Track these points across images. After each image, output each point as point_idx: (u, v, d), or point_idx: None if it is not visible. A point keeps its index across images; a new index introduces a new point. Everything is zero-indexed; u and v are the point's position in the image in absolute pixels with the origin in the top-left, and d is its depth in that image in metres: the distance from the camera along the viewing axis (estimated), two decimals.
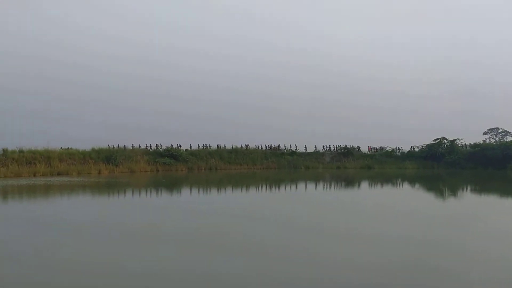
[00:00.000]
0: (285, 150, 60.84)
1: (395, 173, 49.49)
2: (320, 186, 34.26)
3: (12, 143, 46.00)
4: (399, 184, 37.16)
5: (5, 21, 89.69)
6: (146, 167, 49.89)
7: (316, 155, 60.24)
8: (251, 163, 56.22)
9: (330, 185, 35.10)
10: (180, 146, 55.33)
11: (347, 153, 60.51)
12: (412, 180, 40.45)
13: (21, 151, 44.13)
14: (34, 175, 41.21)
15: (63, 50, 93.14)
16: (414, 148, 65.35)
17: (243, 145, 59.10)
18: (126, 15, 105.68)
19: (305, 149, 61.31)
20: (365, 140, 66.45)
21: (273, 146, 61.31)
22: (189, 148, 56.42)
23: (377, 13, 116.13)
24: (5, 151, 43.26)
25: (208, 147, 57.28)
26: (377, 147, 64.05)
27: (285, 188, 32.21)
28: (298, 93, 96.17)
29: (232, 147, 58.43)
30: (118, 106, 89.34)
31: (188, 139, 72.73)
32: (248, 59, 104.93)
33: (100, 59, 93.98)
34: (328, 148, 61.45)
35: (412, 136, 79.44)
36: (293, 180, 39.46)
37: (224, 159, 55.50)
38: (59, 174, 42.78)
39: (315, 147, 61.52)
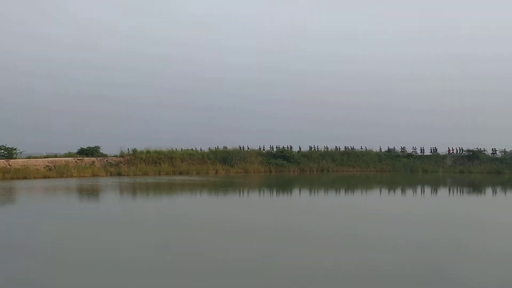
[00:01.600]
0: (400, 152, 57.83)
1: None
2: (454, 191, 31.85)
3: (140, 144, 50.59)
4: None
5: None
6: (259, 167, 51.17)
7: (435, 158, 56.14)
8: (364, 165, 54.45)
9: (461, 190, 32.46)
10: (291, 147, 55.76)
11: (472, 156, 55.39)
12: None
13: (148, 152, 48.27)
14: (159, 174, 44.81)
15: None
16: None
17: (352, 147, 57.49)
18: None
19: (421, 151, 57.49)
20: (488, 144, 59.84)
21: (388, 148, 58.74)
22: (300, 150, 56.49)
23: None
24: (134, 151, 47.74)
25: (316, 148, 56.78)
26: (507, 150, 57.38)
27: (415, 191, 30.53)
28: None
29: (346, 148, 57.21)
30: (236, 109, 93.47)
31: (299, 140, 73.24)
32: None
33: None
34: (453, 151, 56.75)
35: None
36: (423, 183, 37.29)
37: (336, 160, 54.55)
38: (180, 173, 45.91)
39: (434, 149, 57.40)
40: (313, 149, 56.73)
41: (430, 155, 56.97)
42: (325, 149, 56.75)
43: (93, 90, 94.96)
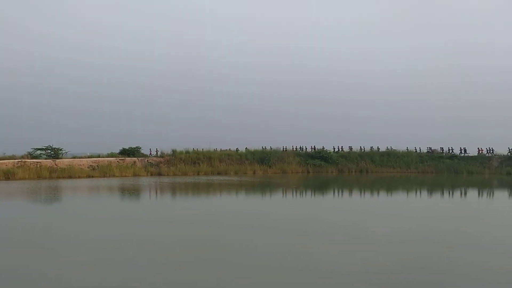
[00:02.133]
0: (443, 153, 56.05)
1: None
2: None
3: (179, 145, 51.45)
4: None
5: None
6: (297, 168, 50.93)
7: (481, 159, 54.00)
8: (404, 166, 53.12)
9: None
10: (324, 147, 55.22)
11: None
12: None
13: (187, 152, 48.99)
14: (198, 174, 45.36)
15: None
16: None
17: (390, 147, 56.24)
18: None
19: (462, 152, 55.34)
20: None
21: (431, 149, 57.09)
22: (339, 150, 55.78)
23: None
24: (174, 152, 48.57)
25: (358, 149, 55.98)
26: None
27: (469, 193, 29.52)
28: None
29: (387, 148, 56.06)
30: (272, 111, 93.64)
31: (337, 140, 72.45)
32: None
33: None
34: (482, 151, 54.46)
35: None
36: (473, 185, 36.00)
37: (376, 161, 53.49)
38: (218, 173, 46.31)
39: (480, 150, 55.22)
40: (353, 149, 55.93)
41: (475, 156, 54.92)
42: (361, 150, 55.79)
43: (137, 94, 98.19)
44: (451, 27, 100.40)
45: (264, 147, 53.43)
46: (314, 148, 54.65)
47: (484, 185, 36.88)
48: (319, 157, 52.78)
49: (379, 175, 48.43)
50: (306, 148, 54.99)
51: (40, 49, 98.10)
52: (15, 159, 40.60)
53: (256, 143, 56.08)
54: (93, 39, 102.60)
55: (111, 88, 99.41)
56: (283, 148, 54.32)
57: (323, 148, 54.83)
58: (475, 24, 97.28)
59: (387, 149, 55.98)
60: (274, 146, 54.12)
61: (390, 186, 36.45)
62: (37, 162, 40.66)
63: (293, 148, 55.04)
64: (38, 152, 44.00)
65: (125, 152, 47.41)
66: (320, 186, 35.48)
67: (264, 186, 33.38)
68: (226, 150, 52.50)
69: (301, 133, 78.15)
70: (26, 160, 40.76)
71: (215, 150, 51.26)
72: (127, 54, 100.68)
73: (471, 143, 57.00)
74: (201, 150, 50.04)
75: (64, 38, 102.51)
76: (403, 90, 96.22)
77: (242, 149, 53.15)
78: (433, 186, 35.23)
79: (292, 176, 45.42)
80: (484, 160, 53.85)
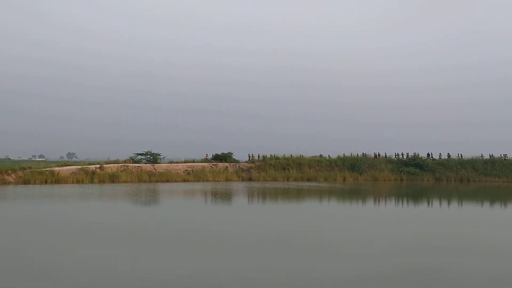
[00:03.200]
0: None
1: None
2: None
3: (267, 151, 51.94)
4: None
5: None
6: (389, 175, 48.94)
7: None
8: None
9: None
10: (419, 154, 52.32)
11: None
12: None
13: (277, 158, 49.33)
14: (288, 180, 45.41)
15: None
16: None
17: (491, 154, 51.81)
18: None
19: None
20: None
21: None
22: (436, 157, 52.60)
23: None
24: (264, 158, 49.17)
25: (448, 156, 52.35)
26: None
27: None
28: None
29: (490, 156, 51.80)
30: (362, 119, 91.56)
31: (431, 147, 68.56)
32: None
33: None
34: None
35: None
36: None
37: (478, 169, 49.58)
38: (308, 179, 45.97)
39: None
40: (451, 156, 52.43)
41: None
42: (458, 157, 51.98)
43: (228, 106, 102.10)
44: None
45: (357, 154, 52.02)
46: (407, 155, 52.10)
47: None
48: (414, 164, 50.20)
49: (482, 185, 44.80)
50: (402, 155, 52.51)
51: None
52: (119, 163, 43.75)
53: (346, 150, 54.71)
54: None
55: None
56: (376, 155, 52.47)
57: (417, 154, 52.04)
58: None
59: (491, 156, 51.71)
60: (365, 153, 52.52)
61: (498, 196, 33.52)
62: (138, 166, 43.45)
63: (385, 155, 52.96)
64: (139, 157, 46.97)
65: (217, 158, 48.92)
66: (416, 195, 33.67)
67: (357, 193, 32.45)
68: (316, 156, 52.00)
69: (394, 141, 75.25)
70: (129, 164, 43.71)
71: (305, 157, 50.98)
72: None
73: None
74: (291, 156, 50.09)
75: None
76: None
77: (328, 155, 52.35)
78: None
79: (384, 184, 43.68)
80: None
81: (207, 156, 49.26)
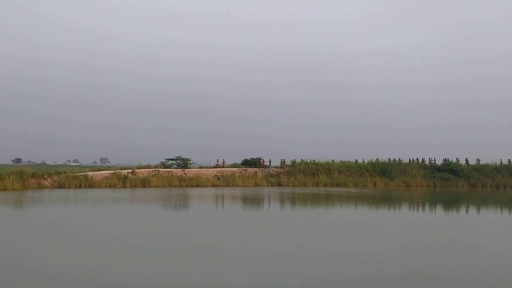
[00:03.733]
0: None
1: None
2: None
3: (298, 155, 51.79)
4: None
5: None
6: (422, 181, 47.79)
7: None
8: None
9: None
10: (458, 160, 50.85)
11: None
12: None
13: (306, 163, 49.09)
14: (317, 185, 45.06)
15: None
16: None
17: None
18: None
19: None
20: None
21: None
22: (471, 163, 51.06)
23: None
24: (293, 163, 49.02)
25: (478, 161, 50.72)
26: None
27: None
28: None
29: None
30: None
31: (466, 152, 66.69)
32: None
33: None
34: None
35: None
36: None
37: None
38: (337, 185, 45.48)
39: None
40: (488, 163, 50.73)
41: None
42: (497, 163, 50.26)
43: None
44: None
45: (388, 159, 51.14)
46: (435, 160, 50.84)
47: None
48: (448, 170, 48.88)
49: None
50: (435, 160, 51.29)
51: None
52: (150, 168, 44.48)
53: (377, 155, 53.88)
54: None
55: None
56: (410, 160, 51.36)
57: (447, 159, 50.70)
58: None
59: None
60: (397, 158, 51.55)
61: None
62: (168, 171, 44.06)
63: (417, 160, 51.82)
64: (170, 162, 47.62)
65: (247, 163, 49.05)
66: (451, 201, 32.77)
67: (393, 199, 31.86)
68: (346, 161, 51.39)
69: (428, 145, 73.62)
70: (160, 169, 44.39)
71: (335, 162, 50.45)
72: None
73: None
74: (321, 161, 49.73)
75: None
76: None
77: (356, 160, 51.67)
78: None
79: (417, 190, 42.71)
80: None
81: (217, 161, 49.24)
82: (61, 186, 37.22)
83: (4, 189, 32.88)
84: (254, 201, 29.31)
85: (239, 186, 42.60)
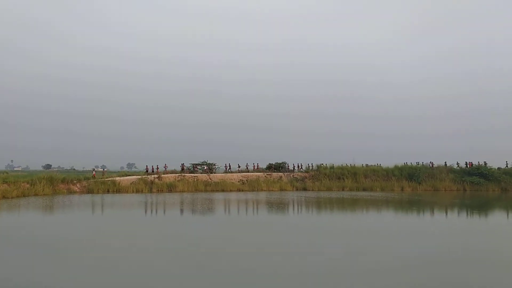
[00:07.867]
0: None
1: None
2: None
3: (323, 159, 51.41)
4: None
5: None
6: (451, 185, 46.75)
7: None
8: None
9: None
10: (485, 163, 49.52)
11: None
12: None
13: (331, 168, 48.71)
14: (343, 189, 44.59)
15: None
16: None
17: None
18: None
19: None
20: None
21: None
22: (503, 166, 49.70)
23: None
24: (319, 167, 48.71)
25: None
26: None
27: None
28: None
29: None
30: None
31: (500, 156, 64.91)
32: None
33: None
34: None
35: None
36: None
37: None
38: (364, 189, 44.89)
39: None
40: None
41: None
42: None
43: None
44: None
45: (417, 163, 50.25)
46: (464, 164, 49.66)
47: None
48: (478, 173, 47.66)
49: None
50: (466, 164, 50.09)
51: None
52: (176, 173, 44.93)
53: (405, 158, 52.90)
54: None
55: None
56: (447, 164, 50.38)
57: (480, 163, 49.43)
58: None
59: None
60: (425, 162, 50.62)
61: None
62: (194, 176, 44.40)
63: (445, 164, 50.76)
64: (193, 165, 47.99)
65: (271, 167, 49.00)
66: (483, 206, 31.86)
67: (425, 205, 31.20)
68: (372, 165, 50.74)
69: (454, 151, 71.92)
70: (185, 174, 44.79)
71: (361, 166, 49.92)
72: None
73: None
74: (346, 165, 49.26)
75: None
76: None
77: (390, 165, 50.89)
78: None
79: (446, 194, 41.73)
80: None
81: (247, 165, 49.26)
82: (89, 191, 37.98)
83: (35, 194, 33.78)
84: (280, 206, 29.15)
85: (264, 190, 42.55)
